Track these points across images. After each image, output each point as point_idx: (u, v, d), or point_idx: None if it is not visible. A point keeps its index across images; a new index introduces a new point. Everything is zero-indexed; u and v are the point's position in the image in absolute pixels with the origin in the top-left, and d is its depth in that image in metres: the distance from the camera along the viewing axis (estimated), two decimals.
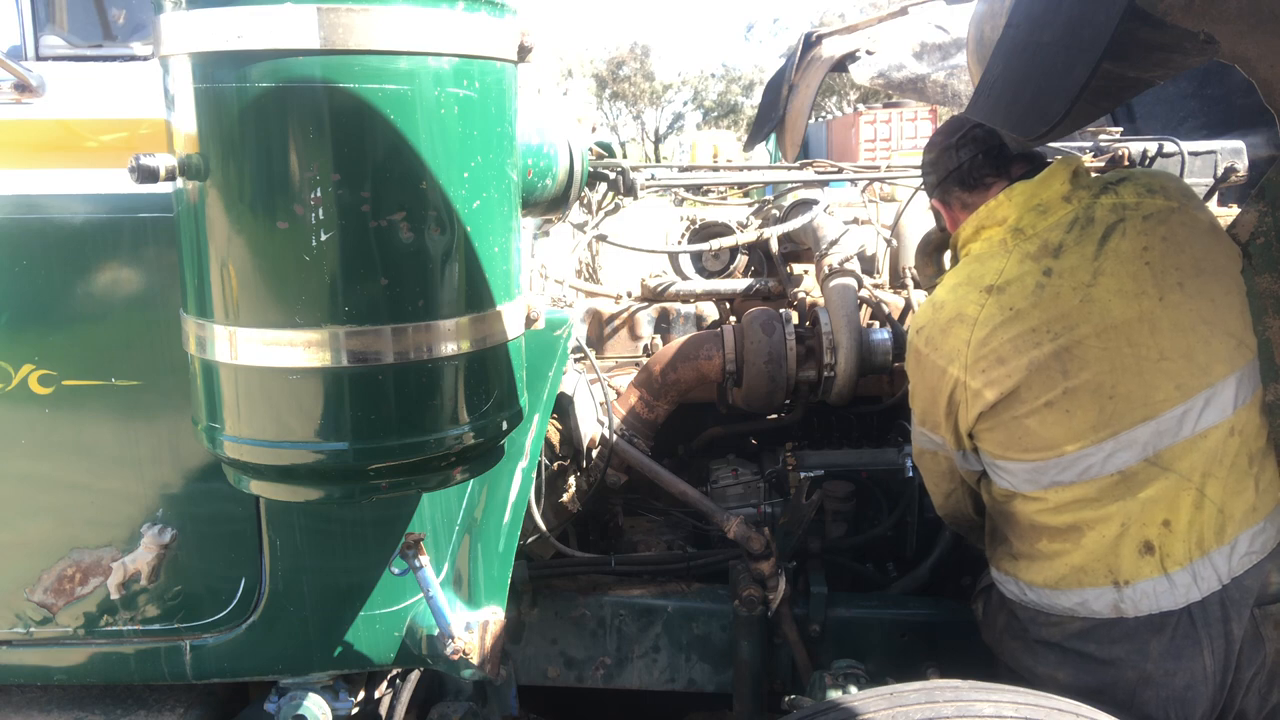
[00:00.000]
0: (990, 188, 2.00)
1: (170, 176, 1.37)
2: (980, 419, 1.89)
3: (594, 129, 2.81)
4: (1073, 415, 1.80)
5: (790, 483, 2.74)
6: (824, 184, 3.05)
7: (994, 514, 2.09)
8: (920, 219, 3.04)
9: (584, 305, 3.02)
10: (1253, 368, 1.89)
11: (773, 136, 4.51)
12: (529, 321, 1.67)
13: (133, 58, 1.74)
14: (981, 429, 1.91)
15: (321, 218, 1.34)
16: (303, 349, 1.39)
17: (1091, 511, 1.84)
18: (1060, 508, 1.87)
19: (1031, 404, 1.82)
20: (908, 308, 2.85)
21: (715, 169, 3.42)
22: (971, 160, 2.02)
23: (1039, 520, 1.91)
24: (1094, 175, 1.98)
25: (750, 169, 3.43)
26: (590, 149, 2.18)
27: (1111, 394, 1.79)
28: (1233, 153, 2.71)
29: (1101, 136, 2.80)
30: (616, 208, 2.81)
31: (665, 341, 3.01)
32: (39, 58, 1.73)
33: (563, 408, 2.35)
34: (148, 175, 1.34)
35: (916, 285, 2.90)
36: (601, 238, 2.90)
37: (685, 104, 41.12)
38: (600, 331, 3.07)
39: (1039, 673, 1.94)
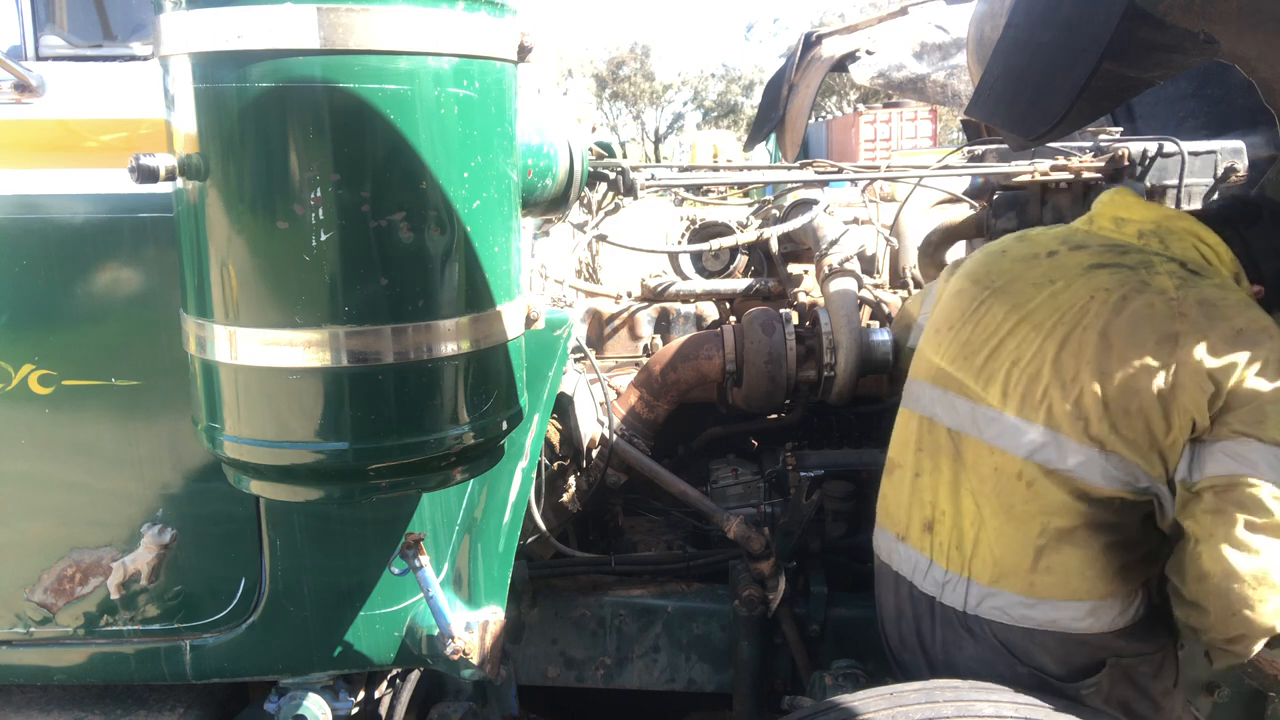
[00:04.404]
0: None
1: (170, 176, 1.37)
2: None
3: (594, 129, 2.80)
4: None
5: (790, 483, 2.74)
6: (824, 184, 3.05)
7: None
8: (920, 219, 3.04)
9: (584, 305, 3.02)
10: (1064, 450, 1.73)
11: (773, 136, 4.52)
12: (529, 321, 1.67)
13: (133, 58, 1.74)
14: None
15: (321, 218, 1.34)
16: (303, 349, 1.39)
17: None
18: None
19: None
20: None
21: (715, 169, 3.42)
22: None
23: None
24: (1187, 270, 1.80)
25: (750, 169, 3.43)
26: (590, 149, 2.18)
27: None
28: (1233, 153, 2.70)
29: (1101, 136, 2.80)
30: (616, 208, 2.81)
31: (665, 341, 3.01)
32: (39, 58, 1.73)
33: (563, 408, 2.35)
34: (148, 175, 1.34)
35: (917, 285, 2.89)
36: (601, 238, 2.89)
37: (685, 104, 41.10)
38: (600, 331, 3.08)
39: None
